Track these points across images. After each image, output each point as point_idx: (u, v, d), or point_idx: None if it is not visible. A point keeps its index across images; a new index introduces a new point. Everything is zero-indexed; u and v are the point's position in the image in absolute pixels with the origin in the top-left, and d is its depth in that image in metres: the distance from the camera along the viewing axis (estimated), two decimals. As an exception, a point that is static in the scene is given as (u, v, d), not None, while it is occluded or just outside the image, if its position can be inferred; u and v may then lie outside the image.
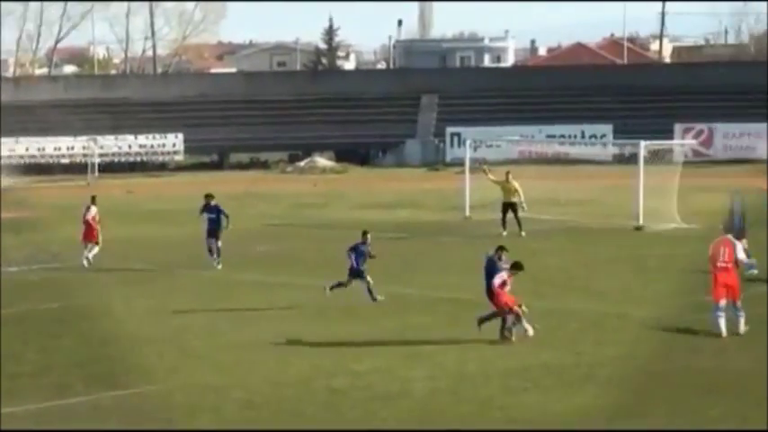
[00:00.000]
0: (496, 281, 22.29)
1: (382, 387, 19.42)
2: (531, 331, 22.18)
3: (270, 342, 22.93)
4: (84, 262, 32.53)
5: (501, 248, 23.13)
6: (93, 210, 33.54)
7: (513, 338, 22.12)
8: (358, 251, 26.13)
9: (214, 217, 31.96)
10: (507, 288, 22.34)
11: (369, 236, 26.43)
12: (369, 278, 26.08)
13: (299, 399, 18.90)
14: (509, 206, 37.86)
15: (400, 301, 27.08)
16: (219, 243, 31.88)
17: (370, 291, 26.04)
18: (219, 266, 31.57)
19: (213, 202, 32.25)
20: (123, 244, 36.06)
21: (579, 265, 30.70)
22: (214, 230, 31.85)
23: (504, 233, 37.58)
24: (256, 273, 31.49)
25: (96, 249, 32.98)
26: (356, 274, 26.10)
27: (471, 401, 18.53)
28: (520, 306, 22.27)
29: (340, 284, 26.17)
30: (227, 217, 31.91)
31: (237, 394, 19.12)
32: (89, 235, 33.13)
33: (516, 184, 38.02)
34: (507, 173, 38.59)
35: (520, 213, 37.72)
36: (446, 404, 18.44)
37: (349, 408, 18.39)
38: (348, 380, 19.83)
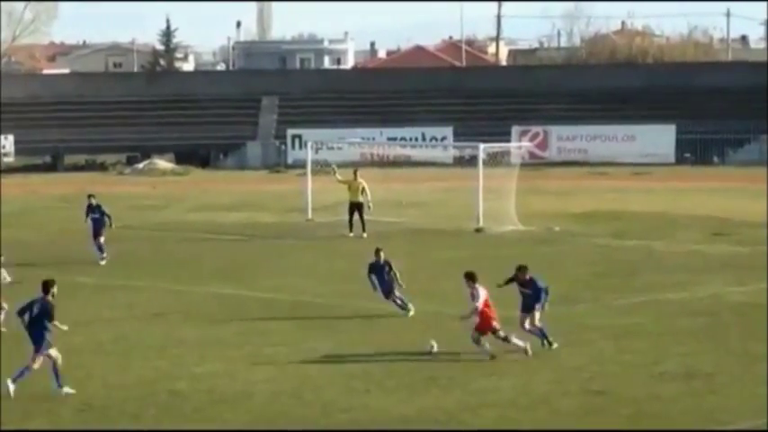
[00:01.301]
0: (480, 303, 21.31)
1: (224, 390, 19.34)
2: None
3: (108, 345, 22.60)
4: None
5: (521, 268, 21.99)
6: None
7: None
8: (377, 270, 24.85)
9: (98, 217, 33.46)
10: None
11: (382, 253, 24.94)
12: (398, 293, 24.80)
13: (139, 402, 18.68)
14: (356, 206, 38.02)
15: (241, 303, 26.98)
16: (102, 240, 33.22)
17: (400, 305, 24.83)
18: (104, 263, 32.72)
19: (95, 202, 33.78)
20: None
21: (421, 267, 30.99)
22: (98, 230, 33.40)
23: (351, 234, 37.74)
24: (93, 275, 30.99)
25: None
26: (386, 293, 24.89)
27: (314, 404, 18.58)
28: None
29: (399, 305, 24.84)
30: (109, 217, 33.47)
31: (74, 398, 18.79)
32: None
33: (364, 183, 38.24)
34: (355, 171, 38.82)
35: (365, 214, 37.92)
36: (289, 406, 18.45)
37: (191, 410, 18.26)
38: (189, 383, 19.68)
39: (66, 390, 19.08)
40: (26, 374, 19.06)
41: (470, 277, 21.73)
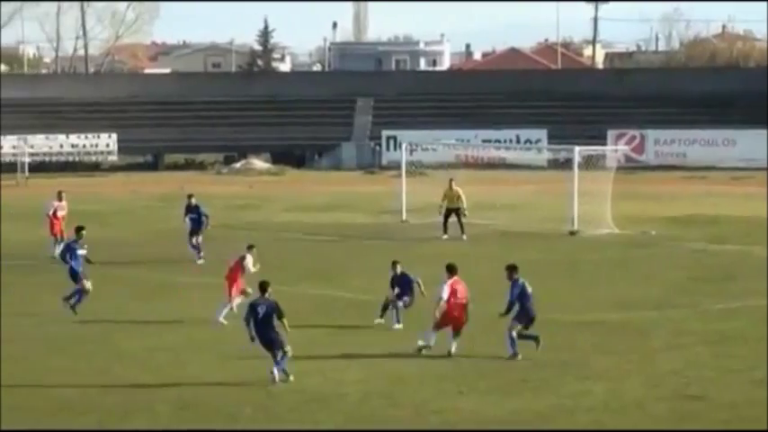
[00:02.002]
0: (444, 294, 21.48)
1: (316, 389, 19.44)
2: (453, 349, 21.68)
3: (205, 344, 22.85)
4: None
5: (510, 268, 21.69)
6: (57, 204, 35.18)
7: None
8: (402, 283, 24.62)
9: (195, 217, 33.73)
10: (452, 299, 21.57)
11: (398, 266, 24.77)
12: (400, 304, 24.44)
13: (234, 401, 18.86)
14: (452, 211, 38.00)
15: (333, 304, 27.11)
16: (200, 239, 33.54)
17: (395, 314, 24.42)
18: (201, 262, 32.87)
19: (194, 202, 34.07)
20: (49, 245, 35.58)
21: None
22: (195, 229, 33.72)
23: (445, 236, 37.73)
24: (190, 274, 31.35)
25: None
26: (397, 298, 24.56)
27: (406, 405, 18.59)
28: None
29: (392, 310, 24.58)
30: (207, 217, 33.77)
31: (172, 396, 19.05)
32: (54, 229, 34.79)
33: (460, 191, 38.12)
34: (450, 180, 38.62)
35: (462, 219, 37.96)
36: (381, 407, 18.50)
37: (285, 410, 18.39)
38: (283, 383, 19.81)
39: (291, 378, 19.70)
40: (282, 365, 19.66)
41: (447, 269, 21.90)
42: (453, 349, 21.62)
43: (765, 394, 18.91)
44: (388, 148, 69.45)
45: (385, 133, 70.08)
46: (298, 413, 18.24)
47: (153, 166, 71.23)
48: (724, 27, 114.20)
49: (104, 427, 17.60)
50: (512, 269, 21.86)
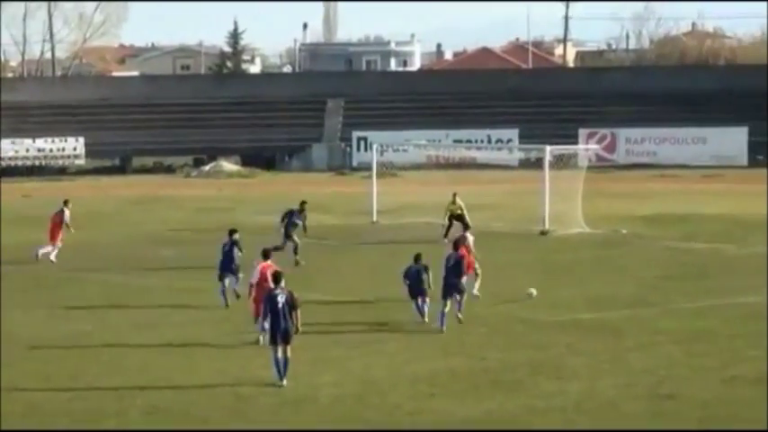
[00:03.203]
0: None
1: (289, 393, 19.41)
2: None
3: (175, 347, 22.77)
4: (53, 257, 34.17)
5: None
6: (65, 212, 35.25)
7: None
8: (410, 274, 24.76)
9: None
10: None
11: (420, 259, 24.91)
12: (428, 299, 24.60)
13: (206, 404, 18.81)
14: (456, 217, 37.55)
15: (304, 306, 26.96)
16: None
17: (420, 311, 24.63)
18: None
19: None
20: (21, 248, 35.45)
21: (485, 269, 30.87)
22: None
23: (446, 240, 37.50)
24: (161, 278, 31.25)
25: (53, 249, 34.33)
26: (415, 294, 24.72)
27: (379, 407, 18.59)
28: None
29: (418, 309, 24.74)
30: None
31: (141, 400, 18.98)
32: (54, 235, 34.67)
33: (462, 205, 37.83)
34: (454, 194, 38.24)
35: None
36: (353, 410, 18.48)
37: (256, 413, 18.35)
38: (254, 386, 19.77)
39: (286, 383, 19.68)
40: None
41: (262, 254, 23.39)
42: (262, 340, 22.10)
43: (737, 392, 19.00)
44: (358, 149, 69.45)
45: (355, 134, 70.08)
46: (270, 416, 18.21)
47: (121, 170, 70.96)
48: (694, 25, 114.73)
49: (75, 430, 17.53)
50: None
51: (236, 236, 28.02)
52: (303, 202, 34.61)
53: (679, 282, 29.84)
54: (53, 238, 34.69)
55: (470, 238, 28.07)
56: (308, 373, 20.60)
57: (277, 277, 20.65)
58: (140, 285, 30.04)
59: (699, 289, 28.66)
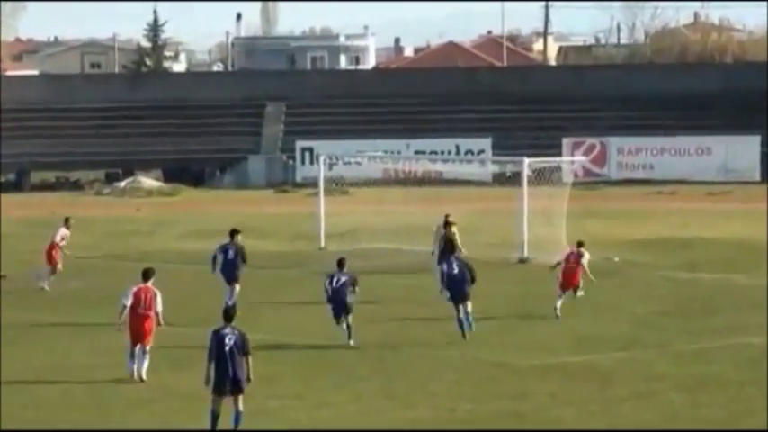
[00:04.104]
0: None
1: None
2: None
3: (62, 399, 22.64)
4: (45, 285, 35.19)
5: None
6: (63, 233, 36.25)
7: None
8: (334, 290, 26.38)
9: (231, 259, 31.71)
10: None
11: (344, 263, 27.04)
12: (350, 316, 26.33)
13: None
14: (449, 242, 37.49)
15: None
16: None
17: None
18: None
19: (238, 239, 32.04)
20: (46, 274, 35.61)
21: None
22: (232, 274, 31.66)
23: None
24: (65, 313, 31.06)
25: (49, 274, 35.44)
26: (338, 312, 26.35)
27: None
28: None
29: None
30: (243, 260, 31.86)
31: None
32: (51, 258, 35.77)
33: (456, 231, 37.52)
34: (446, 216, 38.09)
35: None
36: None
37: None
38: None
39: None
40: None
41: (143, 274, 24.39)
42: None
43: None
44: (303, 162, 69.50)
45: (299, 144, 70.12)
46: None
47: (17, 186, 70.48)
48: (696, 15, 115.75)
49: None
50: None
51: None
52: (234, 231, 32.70)
53: (680, 319, 30.00)
54: (50, 260, 35.65)
55: (587, 255, 31.16)
56: (245, 425, 20.52)
57: (228, 313, 20.24)
58: (39, 322, 29.84)
59: (703, 327, 28.83)
